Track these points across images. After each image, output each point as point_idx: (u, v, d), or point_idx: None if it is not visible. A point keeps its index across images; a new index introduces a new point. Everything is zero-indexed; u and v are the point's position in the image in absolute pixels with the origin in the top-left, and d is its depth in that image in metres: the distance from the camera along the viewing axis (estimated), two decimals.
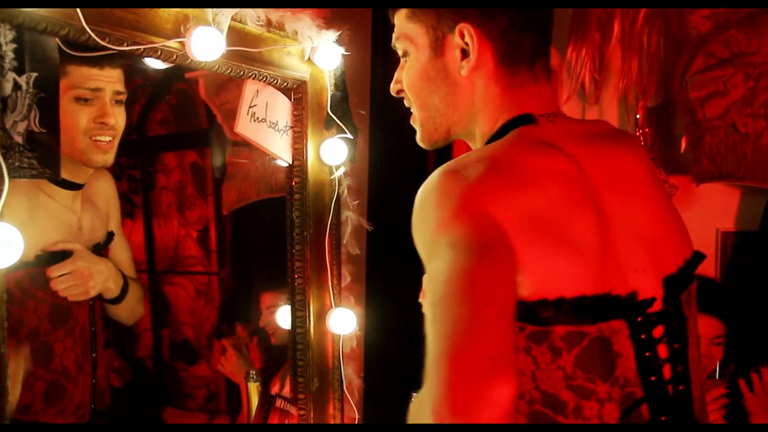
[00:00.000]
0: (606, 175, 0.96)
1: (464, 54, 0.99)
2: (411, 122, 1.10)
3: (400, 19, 1.05)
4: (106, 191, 1.75)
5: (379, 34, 2.16)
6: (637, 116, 2.25)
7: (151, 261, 2.71)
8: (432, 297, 0.80)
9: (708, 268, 2.24)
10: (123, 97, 1.57)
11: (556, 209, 0.89)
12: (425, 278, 0.88)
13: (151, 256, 2.70)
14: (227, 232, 2.61)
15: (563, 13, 2.30)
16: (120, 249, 1.77)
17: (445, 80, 1.02)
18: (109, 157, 1.55)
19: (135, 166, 2.71)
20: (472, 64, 0.98)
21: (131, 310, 1.75)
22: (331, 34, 1.55)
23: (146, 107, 2.63)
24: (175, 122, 2.65)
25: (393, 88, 1.11)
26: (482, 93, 1.00)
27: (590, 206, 0.91)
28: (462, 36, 0.98)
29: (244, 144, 2.13)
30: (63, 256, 1.50)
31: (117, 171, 2.48)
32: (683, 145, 2.17)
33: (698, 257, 1.04)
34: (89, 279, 1.53)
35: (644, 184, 1.02)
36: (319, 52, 1.54)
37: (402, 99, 1.11)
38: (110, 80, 1.51)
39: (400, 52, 1.08)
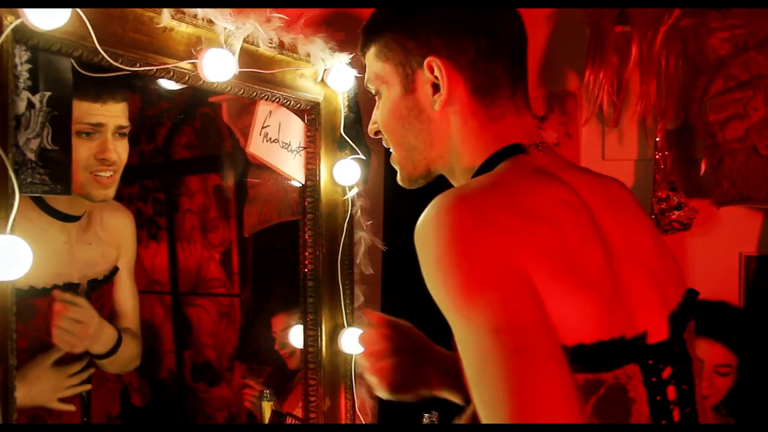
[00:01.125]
0: (603, 205, 0.93)
1: (435, 88, 0.96)
2: (391, 162, 1.08)
3: (370, 59, 1.04)
4: (118, 227, 1.74)
5: None
6: (657, 139, 2.24)
7: (175, 283, 2.73)
8: (477, 366, 0.75)
9: (731, 293, 2.20)
10: (126, 131, 1.56)
11: (570, 243, 0.84)
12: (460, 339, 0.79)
13: (174, 277, 2.73)
14: (249, 254, 2.63)
15: (580, 36, 2.31)
16: (125, 292, 1.74)
17: (419, 117, 0.99)
18: (110, 192, 1.54)
19: (160, 189, 2.75)
20: (443, 98, 0.96)
21: (121, 366, 1.69)
22: (345, 57, 1.57)
23: (171, 131, 2.67)
24: (200, 145, 2.69)
25: (371, 129, 1.09)
26: (459, 127, 0.97)
27: (597, 237, 0.87)
28: (431, 70, 0.96)
29: (266, 167, 2.16)
30: (65, 290, 1.48)
31: (143, 193, 2.53)
32: (703, 167, 2.15)
33: (693, 294, 1.01)
34: (87, 337, 1.49)
35: (638, 216, 1.00)
36: (333, 74, 1.56)
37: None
38: (112, 115, 1.50)
39: (373, 92, 1.06)
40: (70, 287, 1.52)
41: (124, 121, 1.53)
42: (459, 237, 0.78)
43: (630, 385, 0.85)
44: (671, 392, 0.89)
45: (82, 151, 1.46)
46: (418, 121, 0.99)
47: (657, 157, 2.24)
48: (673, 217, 2.17)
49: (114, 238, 1.71)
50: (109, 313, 1.71)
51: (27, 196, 1.41)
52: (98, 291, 1.62)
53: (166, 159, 2.72)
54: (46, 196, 1.47)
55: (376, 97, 1.06)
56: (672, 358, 0.90)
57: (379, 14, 1.03)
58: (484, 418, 0.73)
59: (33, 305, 1.42)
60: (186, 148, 2.70)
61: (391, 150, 1.07)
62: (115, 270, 1.68)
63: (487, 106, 0.96)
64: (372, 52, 1.03)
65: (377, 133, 1.07)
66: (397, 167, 1.07)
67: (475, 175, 0.95)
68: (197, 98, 2.38)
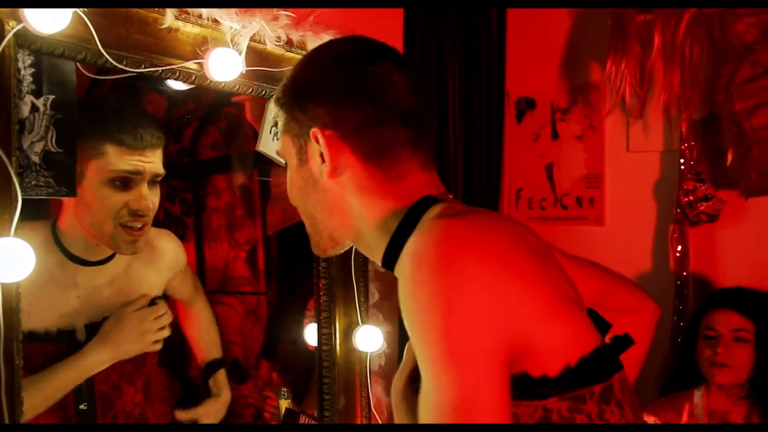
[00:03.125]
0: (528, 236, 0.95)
1: (323, 157, 0.97)
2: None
3: (279, 131, 1.05)
4: (162, 261, 1.67)
5: (411, 52, 2.17)
6: (682, 129, 2.19)
7: (202, 281, 2.76)
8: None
9: (763, 286, 2.15)
10: (160, 178, 1.47)
11: (545, 270, 0.88)
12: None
13: (201, 276, 2.76)
14: (274, 252, 2.65)
15: (600, 26, 2.27)
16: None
17: (314, 187, 1.00)
18: (140, 244, 1.46)
19: (187, 189, 2.78)
20: (328, 169, 0.96)
21: None
22: None
23: (198, 131, 2.70)
24: (225, 145, 2.71)
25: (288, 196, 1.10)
26: (357, 193, 0.97)
27: (556, 263, 0.93)
28: (317, 140, 0.96)
29: (287, 165, 2.16)
30: (57, 336, 1.42)
31: (170, 193, 2.56)
32: (730, 158, 2.10)
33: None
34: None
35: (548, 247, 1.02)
36: None
37: None
38: (151, 162, 1.41)
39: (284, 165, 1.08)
40: (62, 334, 1.44)
41: (160, 169, 1.45)
42: (449, 292, 0.79)
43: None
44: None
45: (114, 201, 1.38)
46: (314, 191, 1.00)
47: (683, 147, 2.20)
48: (701, 208, 2.13)
49: (158, 274, 1.65)
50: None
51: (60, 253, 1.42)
52: None
53: (192, 159, 2.75)
54: (63, 241, 1.43)
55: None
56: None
57: (281, 86, 1.04)
58: None
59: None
60: (212, 148, 2.72)
61: None
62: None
63: (384, 169, 0.96)
64: (279, 124, 1.05)
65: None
66: (309, 237, 1.08)
67: (398, 229, 0.94)
68: (222, 98, 2.40)
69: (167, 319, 1.53)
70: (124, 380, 1.57)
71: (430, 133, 1.02)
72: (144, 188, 1.41)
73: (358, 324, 1.61)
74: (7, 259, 0.95)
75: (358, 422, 1.61)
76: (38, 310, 1.34)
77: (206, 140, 2.71)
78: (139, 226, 1.43)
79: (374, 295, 1.66)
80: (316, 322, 1.61)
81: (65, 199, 1.39)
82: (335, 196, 0.99)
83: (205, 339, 1.81)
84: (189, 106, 2.48)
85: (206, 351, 1.79)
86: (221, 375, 1.82)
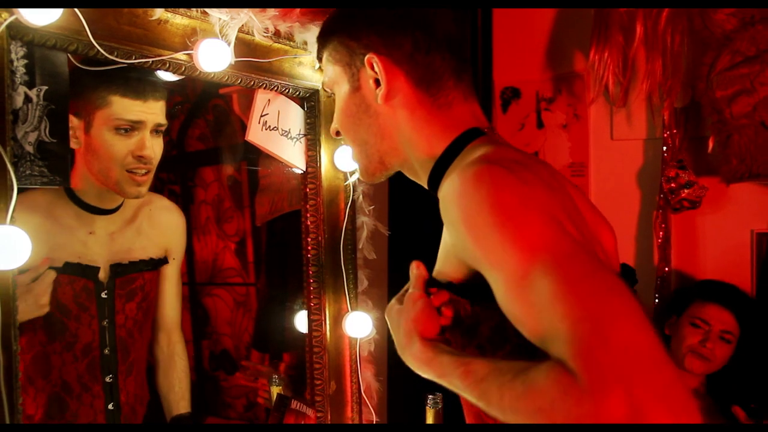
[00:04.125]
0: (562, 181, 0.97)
1: (378, 84, 1.02)
2: (351, 158, 1.14)
3: (324, 63, 1.10)
4: (168, 226, 1.77)
5: None
6: (664, 117, 2.23)
7: (192, 273, 2.77)
8: (549, 298, 0.72)
9: (743, 271, 2.20)
10: (163, 129, 1.57)
11: (574, 204, 0.89)
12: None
13: (191, 268, 2.77)
14: (263, 243, 2.66)
15: (585, 16, 2.30)
16: (172, 289, 1.79)
17: (366, 112, 1.05)
18: (143, 189, 1.55)
19: (175, 181, 2.78)
20: (384, 92, 1.01)
21: None
22: None
23: (185, 124, 2.70)
24: (213, 137, 2.72)
25: (332, 129, 1.15)
26: (407, 117, 1.02)
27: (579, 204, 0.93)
28: (371, 66, 1.02)
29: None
30: (85, 270, 1.51)
31: (159, 186, 2.57)
32: (711, 145, 2.14)
33: (627, 267, 1.09)
34: None
35: (581, 192, 1.04)
36: None
37: None
38: (153, 113, 1.51)
39: (330, 94, 1.13)
40: (89, 269, 1.54)
41: (162, 119, 1.54)
42: (506, 193, 0.80)
43: None
44: None
45: (119, 147, 1.48)
46: (367, 116, 1.05)
47: (665, 135, 2.23)
48: (683, 195, 2.16)
49: (161, 236, 1.72)
50: (152, 311, 1.75)
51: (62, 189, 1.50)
52: (125, 278, 1.62)
53: (180, 151, 2.75)
54: (77, 191, 1.52)
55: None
56: None
57: (327, 20, 1.10)
58: (561, 344, 0.68)
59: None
60: (199, 140, 2.73)
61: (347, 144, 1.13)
62: (154, 261, 1.71)
63: (432, 96, 1.02)
64: (324, 57, 1.10)
65: (338, 133, 1.13)
66: (356, 163, 1.13)
67: (441, 159, 0.99)
68: (209, 90, 2.41)
69: None
70: (136, 328, 1.66)
71: (470, 68, 1.07)
72: (146, 136, 1.50)
73: (348, 311, 1.63)
74: (3, 247, 0.97)
75: (349, 407, 1.64)
76: (58, 250, 1.47)
77: (194, 132, 2.71)
78: (143, 172, 1.52)
79: (363, 283, 1.69)
80: (306, 309, 1.63)
81: (76, 154, 1.49)
82: (387, 120, 1.04)
83: (175, 389, 1.79)
84: (176, 99, 2.48)
85: (173, 404, 1.78)
86: None
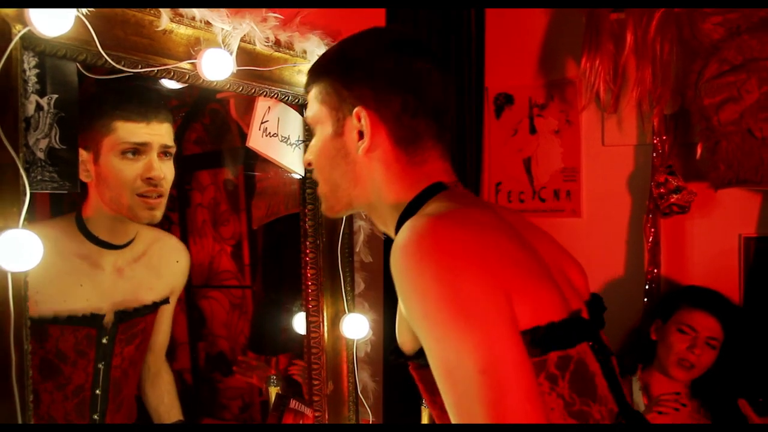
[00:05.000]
0: (521, 226, 1.05)
1: (361, 135, 1.06)
2: (317, 192, 1.18)
3: (311, 98, 1.13)
4: (174, 265, 1.77)
5: None
6: (654, 124, 2.28)
7: (188, 276, 2.80)
8: (461, 401, 0.85)
9: (731, 275, 2.24)
10: (172, 151, 1.56)
11: (515, 249, 0.95)
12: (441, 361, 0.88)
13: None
14: (259, 246, 2.69)
15: (576, 24, 2.34)
16: (164, 326, 1.79)
17: (345, 158, 1.09)
18: (157, 214, 1.53)
19: (172, 185, 2.81)
20: (365, 146, 1.05)
21: None
22: None
23: (182, 128, 2.73)
24: (209, 141, 2.75)
25: (305, 159, 1.19)
26: (382, 171, 1.07)
27: (527, 244, 0.99)
28: (358, 118, 1.05)
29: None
30: (90, 320, 1.49)
31: None
32: (699, 151, 2.19)
33: (597, 295, 1.12)
34: None
35: (544, 234, 1.12)
36: None
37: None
38: (157, 134, 1.50)
39: (311, 129, 1.16)
40: (94, 318, 1.51)
41: (168, 141, 1.54)
42: (444, 267, 0.87)
43: (587, 359, 0.96)
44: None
45: (128, 172, 1.47)
46: (345, 162, 1.09)
47: (655, 141, 2.28)
48: (672, 200, 2.21)
49: (169, 275, 1.72)
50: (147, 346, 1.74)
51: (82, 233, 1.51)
52: (128, 323, 1.61)
53: (177, 155, 2.78)
54: (90, 226, 1.51)
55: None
56: (597, 338, 1.02)
57: (324, 59, 1.14)
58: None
59: (46, 329, 1.44)
60: (196, 144, 2.75)
61: (317, 181, 1.17)
62: (157, 305, 1.69)
63: (409, 155, 1.07)
64: (313, 92, 1.13)
65: (310, 164, 1.17)
66: (321, 198, 1.17)
67: (406, 210, 1.04)
68: (206, 95, 2.44)
69: None
70: (131, 367, 1.65)
71: (450, 127, 1.13)
72: (154, 158, 1.49)
73: (345, 312, 1.67)
74: (16, 250, 1.00)
75: (346, 407, 1.68)
76: (63, 295, 1.45)
77: (191, 136, 2.74)
78: (155, 195, 1.51)
79: (360, 285, 1.72)
80: (304, 311, 1.66)
81: (89, 188, 1.50)
82: (363, 169, 1.08)
83: (165, 401, 1.81)
84: (173, 103, 2.51)
85: (164, 415, 1.79)
86: None
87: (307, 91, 1.16)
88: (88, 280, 1.51)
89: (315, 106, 1.12)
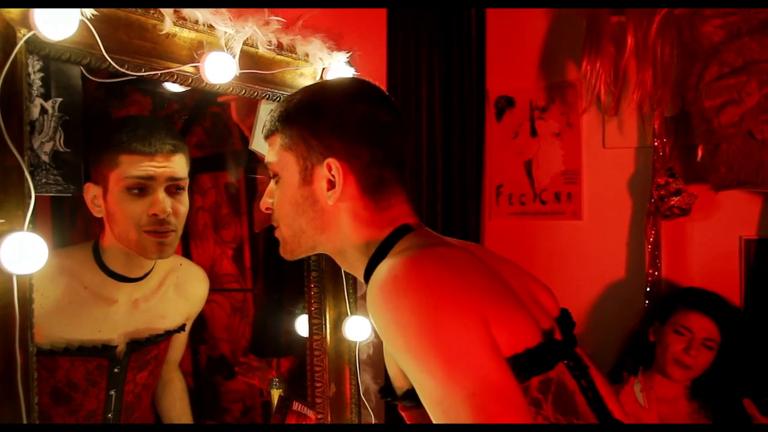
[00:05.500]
0: (481, 253, 1.08)
1: (330, 184, 1.07)
2: (275, 234, 1.19)
3: (275, 145, 1.13)
4: (193, 294, 1.74)
5: (394, 52, 2.23)
6: (654, 126, 2.28)
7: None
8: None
9: (732, 277, 2.24)
10: (184, 184, 1.50)
11: (486, 280, 0.98)
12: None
13: None
14: (260, 249, 2.69)
15: (577, 27, 2.35)
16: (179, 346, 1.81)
17: (313, 206, 1.10)
18: (168, 250, 1.49)
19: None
20: (337, 195, 1.07)
21: None
22: (342, 55, 1.62)
23: (183, 131, 2.73)
24: (210, 145, 2.76)
25: (263, 204, 1.19)
26: (350, 219, 1.09)
27: (495, 273, 1.02)
28: (329, 169, 1.07)
29: None
30: (101, 350, 1.48)
31: None
32: (700, 153, 2.19)
33: (565, 311, 1.16)
34: None
35: (508, 262, 1.15)
36: (331, 73, 1.62)
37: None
38: (162, 167, 1.44)
39: (271, 174, 1.16)
40: (105, 349, 1.50)
41: (175, 174, 1.47)
42: (423, 302, 0.90)
43: (566, 379, 0.99)
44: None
45: (133, 208, 1.43)
46: (312, 210, 1.11)
47: (656, 144, 2.28)
48: (673, 202, 2.21)
49: (185, 304, 1.70)
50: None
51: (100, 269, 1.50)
52: (140, 351, 1.60)
53: None
54: (105, 259, 1.50)
55: (272, 179, 1.16)
56: (572, 356, 1.06)
57: (291, 107, 1.13)
58: None
59: (56, 360, 1.44)
60: (197, 148, 2.76)
61: (275, 225, 1.18)
62: (170, 333, 1.68)
63: (376, 201, 1.09)
64: (278, 139, 1.13)
65: (268, 208, 1.18)
66: (281, 241, 1.18)
67: (376, 252, 1.07)
68: (207, 98, 2.45)
69: None
70: (144, 390, 1.65)
71: (408, 175, 1.18)
72: (160, 193, 1.45)
73: (348, 315, 1.68)
74: (21, 253, 1.01)
75: (348, 409, 1.68)
76: (77, 325, 1.44)
77: (191, 140, 2.74)
78: (164, 231, 1.46)
79: (362, 287, 1.73)
80: (307, 313, 1.67)
81: (104, 223, 1.47)
82: (330, 216, 1.10)
83: (177, 406, 1.83)
84: (174, 107, 2.52)
85: (176, 420, 1.81)
86: None
87: (268, 135, 1.15)
88: (101, 312, 1.50)
89: (281, 154, 1.12)
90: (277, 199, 1.15)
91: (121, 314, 1.53)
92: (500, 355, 0.88)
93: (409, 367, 0.90)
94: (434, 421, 0.89)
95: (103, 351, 1.49)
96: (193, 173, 2.77)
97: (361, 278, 1.11)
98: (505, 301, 0.97)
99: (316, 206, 1.10)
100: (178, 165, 1.48)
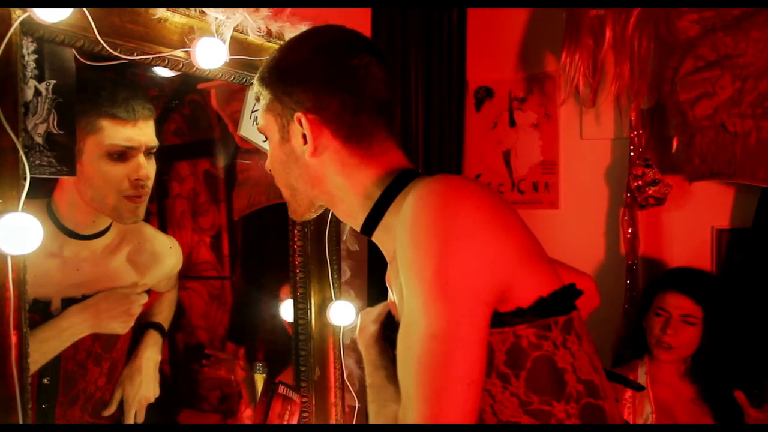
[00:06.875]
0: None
1: (305, 138, 1.07)
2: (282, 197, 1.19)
3: (261, 108, 1.14)
4: (152, 262, 1.70)
5: (380, 40, 2.25)
6: (631, 118, 2.33)
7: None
8: (406, 356, 0.88)
9: (704, 265, 2.30)
10: (154, 150, 1.52)
11: (522, 227, 0.98)
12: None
13: None
14: (239, 236, 2.69)
15: (557, 19, 2.39)
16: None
17: (296, 162, 1.10)
18: (141, 213, 1.50)
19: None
20: (310, 150, 1.06)
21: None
22: None
23: (161, 118, 2.72)
24: (189, 132, 2.74)
25: (266, 166, 1.19)
26: (338, 170, 1.08)
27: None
28: (300, 123, 1.07)
29: (255, 151, 2.22)
30: (32, 306, 1.34)
31: None
32: (675, 145, 2.24)
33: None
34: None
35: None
36: None
37: None
38: (144, 134, 1.46)
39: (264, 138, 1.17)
40: (35, 304, 1.42)
41: (154, 141, 1.50)
42: (459, 229, 0.89)
43: (558, 356, 0.96)
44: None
45: (114, 173, 1.43)
46: (297, 166, 1.11)
47: (632, 135, 2.33)
48: (649, 192, 2.26)
49: (143, 271, 1.66)
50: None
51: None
52: None
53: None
54: (60, 216, 1.46)
55: (265, 142, 1.17)
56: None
57: (265, 68, 1.13)
58: (403, 398, 0.88)
59: None
60: (175, 135, 2.74)
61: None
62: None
63: (364, 149, 1.08)
64: (261, 102, 1.14)
65: (270, 171, 1.18)
66: (287, 204, 1.19)
67: (378, 202, 1.06)
68: (186, 85, 2.43)
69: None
70: (90, 360, 1.59)
71: (399, 122, 1.14)
72: (141, 158, 1.46)
73: (332, 300, 1.70)
74: (15, 234, 1.01)
75: (332, 392, 1.70)
76: None
77: (170, 127, 2.73)
78: (141, 195, 1.48)
79: (346, 273, 1.75)
80: (292, 298, 1.69)
81: (60, 180, 1.43)
82: (317, 171, 1.09)
83: (164, 314, 1.84)
84: (152, 93, 2.51)
85: (165, 323, 1.82)
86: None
87: (257, 100, 1.16)
88: (44, 265, 1.45)
89: (263, 116, 1.14)
90: (269, 160, 1.16)
91: (63, 271, 1.49)
92: (486, 321, 0.89)
93: (405, 280, 0.91)
94: (398, 344, 0.91)
95: (33, 306, 1.39)
96: (170, 161, 2.78)
97: (358, 228, 1.10)
98: (535, 248, 0.98)
99: (299, 162, 1.10)
100: (153, 131, 1.50)
